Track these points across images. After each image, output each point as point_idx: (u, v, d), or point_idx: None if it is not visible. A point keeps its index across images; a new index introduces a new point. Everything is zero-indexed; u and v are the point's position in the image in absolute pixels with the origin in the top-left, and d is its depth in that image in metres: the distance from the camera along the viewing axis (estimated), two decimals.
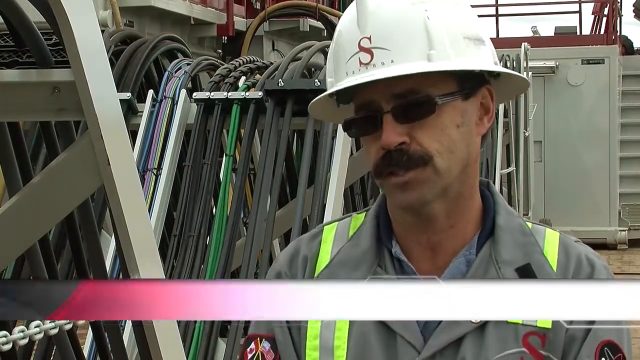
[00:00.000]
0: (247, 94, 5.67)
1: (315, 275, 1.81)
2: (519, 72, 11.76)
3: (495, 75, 1.80)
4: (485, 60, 1.77)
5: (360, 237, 1.82)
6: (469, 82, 1.74)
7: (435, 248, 1.77)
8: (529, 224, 1.81)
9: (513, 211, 1.83)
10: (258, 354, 1.80)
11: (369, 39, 1.70)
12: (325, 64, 5.99)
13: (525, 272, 1.74)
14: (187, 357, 4.99)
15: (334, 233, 1.85)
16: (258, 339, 1.80)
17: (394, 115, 1.70)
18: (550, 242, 1.78)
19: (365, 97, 1.73)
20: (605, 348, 1.73)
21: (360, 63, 1.71)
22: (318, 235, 1.86)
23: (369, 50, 1.70)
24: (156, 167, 5.72)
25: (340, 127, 5.37)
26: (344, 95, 1.76)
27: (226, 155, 5.72)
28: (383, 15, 1.71)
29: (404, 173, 1.70)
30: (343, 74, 1.74)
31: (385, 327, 1.74)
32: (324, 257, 1.82)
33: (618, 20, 17.54)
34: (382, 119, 1.70)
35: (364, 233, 1.82)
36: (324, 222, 2.06)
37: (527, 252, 1.76)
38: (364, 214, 1.86)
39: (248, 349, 1.80)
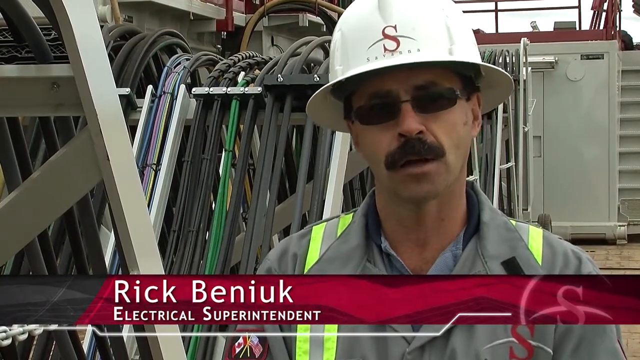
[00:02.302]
0: (246, 89, 5.67)
1: (305, 271, 1.84)
2: (519, 68, 11.71)
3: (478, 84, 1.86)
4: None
5: (349, 234, 1.85)
6: (469, 86, 1.80)
7: (424, 244, 1.82)
8: (513, 222, 1.87)
9: (496, 210, 1.88)
10: (246, 348, 1.82)
11: (394, 27, 1.74)
12: (325, 59, 6.00)
13: (511, 266, 1.79)
14: (186, 352, 4.99)
15: (323, 232, 1.89)
16: (246, 333, 1.82)
17: (414, 105, 1.74)
18: (535, 238, 1.84)
19: (381, 85, 1.75)
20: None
21: (385, 49, 1.74)
22: (307, 235, 1.90)
23: (394, 38, 1.74)
24: (155, 162, 5.72)
25: None
26: (350, 84, 1.78)
27: (225, 151, 5.72)
28: (407, 6, 1.76)
29: (423, 164, 1.74)
30: (362, 59, 1.76)
31: None
32: (313, 255, 1.86)
33: (617, 16, 17.53)
34: (401, 107, 1.73)
35: (352, 231, 1.86)
36: (319, 219, 2.09)
37: (512, 246, 1.81)
38: (351, 214, 1.90)
39: (236, 344, 1.83)
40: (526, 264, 1.79)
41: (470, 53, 1.78)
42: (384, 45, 1.74)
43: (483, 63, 1.80)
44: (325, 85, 1.82)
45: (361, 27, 1.78)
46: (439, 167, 1.74)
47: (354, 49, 1.77)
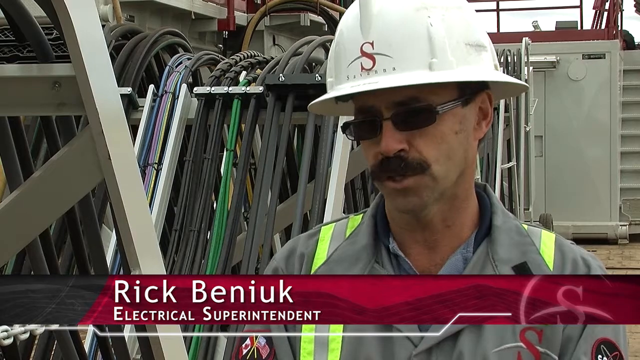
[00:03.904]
0: (247, 88, 5.67)
1: (312, 272, 1.82)
2: (520, 67, 11.70)
3: None
4: (486, 66, 1.77)
5: (357, 235, 1.83)
6: (469, 89, 1.75)
7: (433, 246, 1.79)
8: (525, 226, 1.83)
9: (509, 213, 1.85)
10: (253, 350, 1.81)
11: (372, 44, 1.71)
12: (326, 59, 6.00)
13: (522, 271, 1.76)
14: (188, 351, 4.99)
15: (332, 232, 1.87)
16: (254, 334, 1.81)
17: (394, 122, 1.70)
18: (547, 243, 1.80)
19: (365, 102, 1.73)
20: (602, 346, 1.74)
21: (362, 68, 1.71)
22: (315, 235, 1.88)
23: (371, 56, 1.71)
24: (157, 161, 5.72)
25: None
26: (343, 97, 1.76)
27: (227, 150, 5.72)
28: (386, 20, 1.71)
29: (402, 179, 1.71)
30: (344, 76, 1.74)
31: None
32: (321, 255, 1.84)
33: (619, 15, 17.52)
34: (382, 125, 1.71)
35: (361, 232, 1.84)
36: (324, 219, 2.07)
37: (523, 251, 1.78)
38: (361, 215, 1.88)
39: (243, 345, 1.81)
40: (537, 270, 1.75)
41: (458, 62, 1.71)
42: (361, 63, 1.71)
43: (456, 78, 1.71)
44: (315, 101, 1.81)
45: (345, 41, 1.74)
46: (422, 179, 1.71)
47: (339, 64, 1.75)
